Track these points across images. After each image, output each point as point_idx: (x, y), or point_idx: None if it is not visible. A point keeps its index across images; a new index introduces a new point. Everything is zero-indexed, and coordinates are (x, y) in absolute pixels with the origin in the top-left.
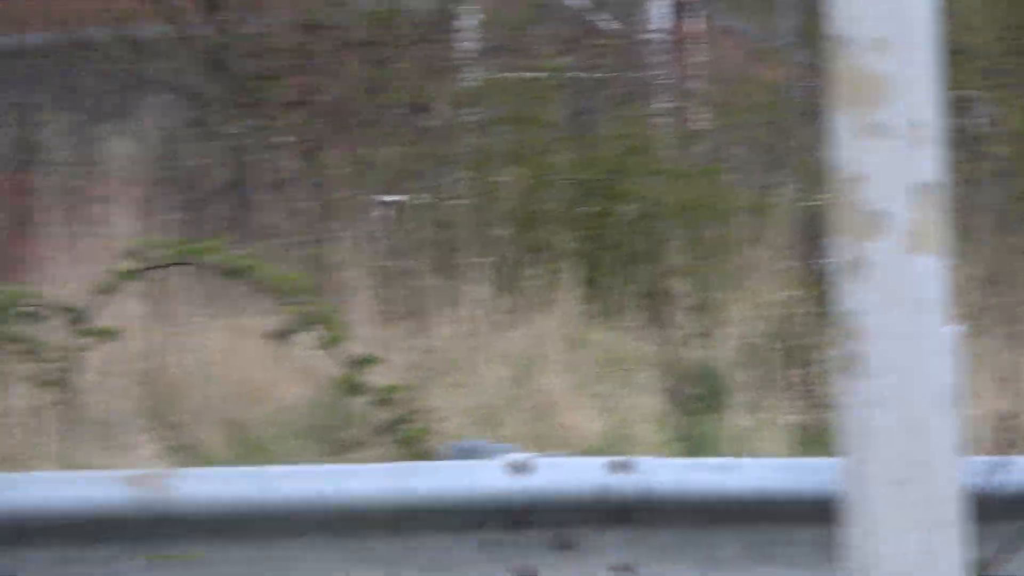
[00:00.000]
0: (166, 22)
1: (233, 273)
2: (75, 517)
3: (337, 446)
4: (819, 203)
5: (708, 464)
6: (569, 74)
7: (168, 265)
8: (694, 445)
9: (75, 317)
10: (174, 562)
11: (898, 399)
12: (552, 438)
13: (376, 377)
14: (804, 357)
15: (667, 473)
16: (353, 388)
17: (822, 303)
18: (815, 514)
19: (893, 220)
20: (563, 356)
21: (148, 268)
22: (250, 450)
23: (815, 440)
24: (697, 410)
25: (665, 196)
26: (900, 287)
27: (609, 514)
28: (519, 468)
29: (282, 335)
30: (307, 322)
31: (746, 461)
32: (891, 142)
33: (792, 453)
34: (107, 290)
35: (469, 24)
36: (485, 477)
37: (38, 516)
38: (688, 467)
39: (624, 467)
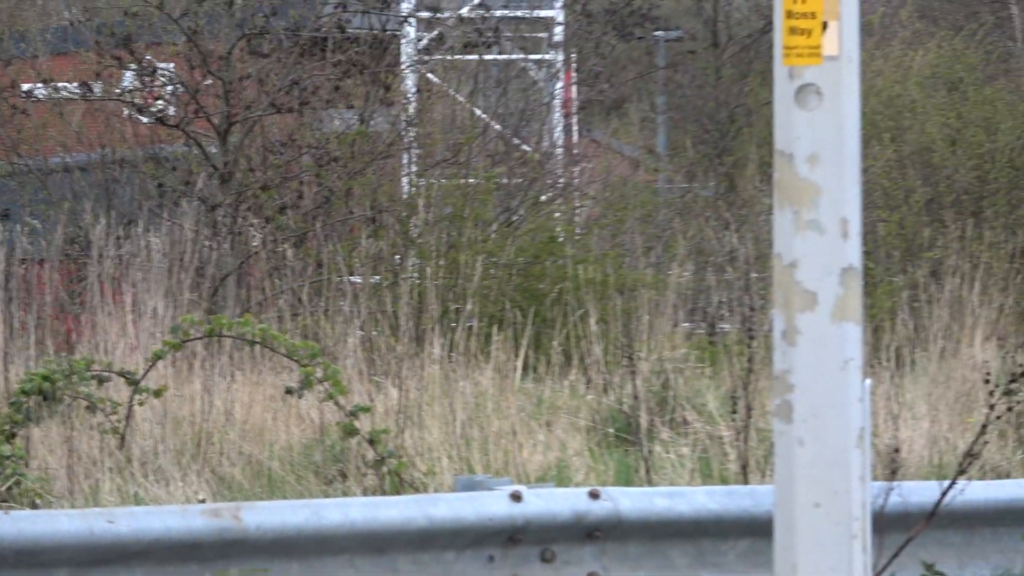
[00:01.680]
0: (186, 144)
1: (257, 342)
2: (165, 543)
3: (332, 479)
4: (700, 280)
5: (661, 492)
6: (498, 181)
7: (205, 337)
8: (619, 474)
9: (131, 380)
10: None
11: (818, 438)
12: (509, 469)
13: (364, 423)
14: (695, 402)
15: (630, 500)
16: (350, 432)
17: (707, 358)
18: (749, 530)
19: (821, 296)
20: (508, 404)
21: (189, 340)
22: (267, 482)
23: (710, 467)
24: (617, 445)
25: (577, 276)
26: (825, 350)
27: (587, 534)
28: (517, 497)
29: (296, 391)
30: (317, 380)
31: (691, 488)
32: (821, 235)
33: (699, 478)
34: (158, 358)
35: (416, 142)
36: (490, 505)
37: (136, 542)
38: (646, 495)
39: (596, 495)
